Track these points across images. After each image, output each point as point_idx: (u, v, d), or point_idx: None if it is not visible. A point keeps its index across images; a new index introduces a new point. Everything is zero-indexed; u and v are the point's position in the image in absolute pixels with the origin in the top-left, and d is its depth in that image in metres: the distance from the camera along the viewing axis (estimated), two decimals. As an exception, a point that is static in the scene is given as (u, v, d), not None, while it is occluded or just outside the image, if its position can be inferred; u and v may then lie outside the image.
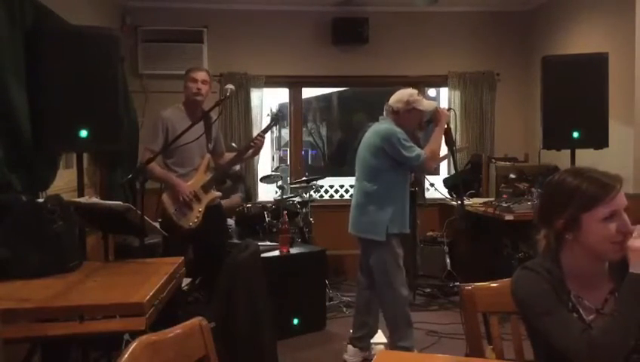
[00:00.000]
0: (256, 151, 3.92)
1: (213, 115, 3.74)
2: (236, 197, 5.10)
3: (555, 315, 1.46)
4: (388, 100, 3.54)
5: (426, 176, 5.45)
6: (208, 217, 3.68)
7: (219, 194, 3.83)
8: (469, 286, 1.79)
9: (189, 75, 3.69)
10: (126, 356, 1.20)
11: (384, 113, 3.59)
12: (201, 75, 3.69)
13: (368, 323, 3.64)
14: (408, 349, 3.39)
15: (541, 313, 1.48)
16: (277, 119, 4.12)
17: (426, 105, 3.50)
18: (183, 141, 3.28)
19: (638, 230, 1.42)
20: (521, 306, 1.55)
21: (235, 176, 5.20)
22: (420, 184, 5.43)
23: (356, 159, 3.62)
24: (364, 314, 3.65)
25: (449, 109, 3.62)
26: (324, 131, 14.47)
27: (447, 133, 3.51)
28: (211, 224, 3.71)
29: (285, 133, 7.30)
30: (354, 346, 3.64)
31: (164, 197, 3.60)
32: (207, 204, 3.68)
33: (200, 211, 3.64)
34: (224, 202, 4.25)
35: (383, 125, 3.51)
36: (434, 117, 3.51)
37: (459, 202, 5.28)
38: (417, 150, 3.38)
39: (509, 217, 4.43)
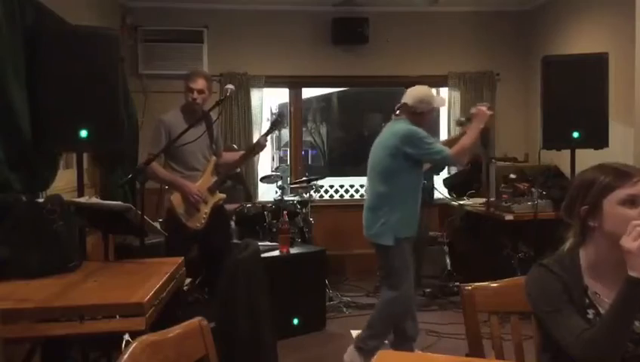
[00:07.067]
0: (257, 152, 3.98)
1: (213, 115, 3.74)
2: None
3: (561, 314, 1.49)
4: (401, 99, 3.44)
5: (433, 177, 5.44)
6: (213, 218, 3.70)
7: (223, 196, 3.84)
8: (468, 286, 1.80)
9: (187, 84, 3.64)
10: (126, 356, 1.20)
11: (396, 112, 3.50)
12: (198, 84, 3.60)
13: (406, 329, 3.50)
14: (370, 351, 3.29)
15: (549, 311, 1.52)
16: (277, 124, 4.10)
17: (438, 101, 3.51)
18: (184, 141, 3.28)
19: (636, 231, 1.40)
20: (532, 303, 1.58)
21: (235, 176, 5.19)
22: (431, 187, 5.38)
23: (369, 159, 3.54)
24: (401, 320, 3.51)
25: (488, 108, 3.45)
26: (324, 131, 14.46)
27: (486, 132, 3.44)
28: (216, 225, 3.73)
29: (285, 133, 7.29)
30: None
31: (175, 197, 3.61)
32: (212, 205, 3.70)
33: (206, 212, 3.67)
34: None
35: (400, 125, 3.40)
36: (473, 115, 3.44)
37: (459, 202, 5.34)
38: (440, 146, 3.36)
39: (509, 217, 4.44)
